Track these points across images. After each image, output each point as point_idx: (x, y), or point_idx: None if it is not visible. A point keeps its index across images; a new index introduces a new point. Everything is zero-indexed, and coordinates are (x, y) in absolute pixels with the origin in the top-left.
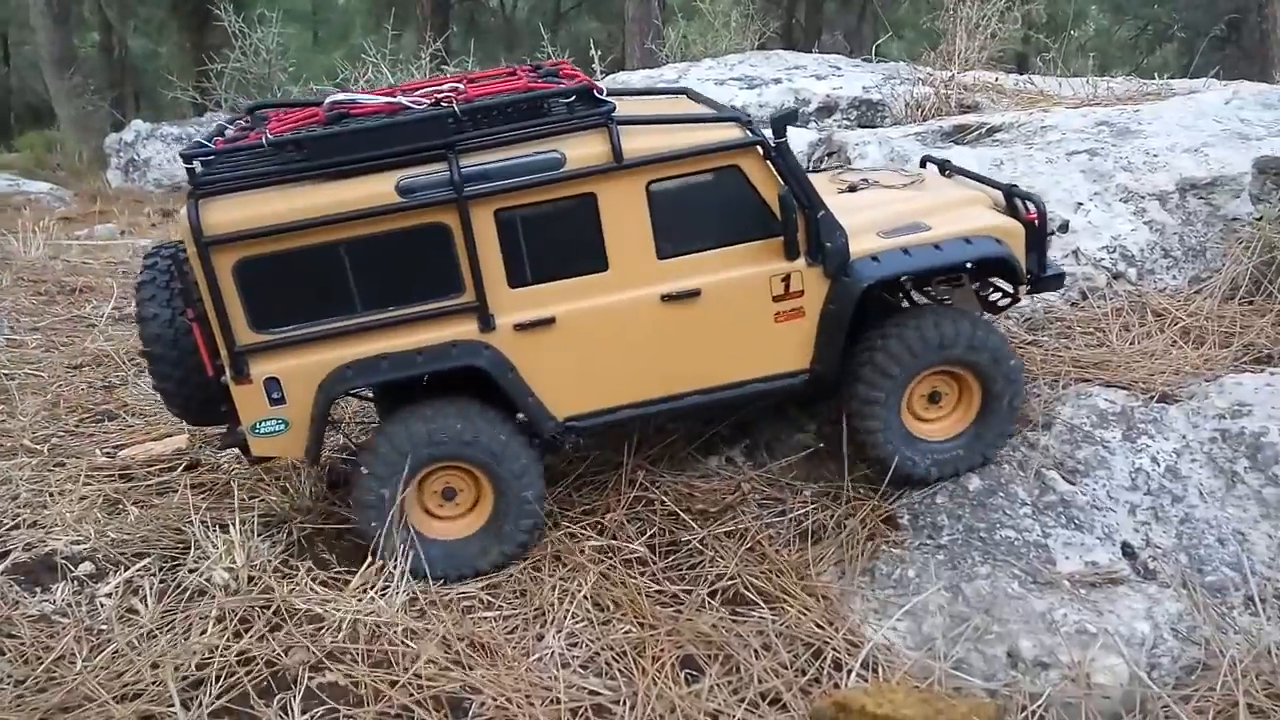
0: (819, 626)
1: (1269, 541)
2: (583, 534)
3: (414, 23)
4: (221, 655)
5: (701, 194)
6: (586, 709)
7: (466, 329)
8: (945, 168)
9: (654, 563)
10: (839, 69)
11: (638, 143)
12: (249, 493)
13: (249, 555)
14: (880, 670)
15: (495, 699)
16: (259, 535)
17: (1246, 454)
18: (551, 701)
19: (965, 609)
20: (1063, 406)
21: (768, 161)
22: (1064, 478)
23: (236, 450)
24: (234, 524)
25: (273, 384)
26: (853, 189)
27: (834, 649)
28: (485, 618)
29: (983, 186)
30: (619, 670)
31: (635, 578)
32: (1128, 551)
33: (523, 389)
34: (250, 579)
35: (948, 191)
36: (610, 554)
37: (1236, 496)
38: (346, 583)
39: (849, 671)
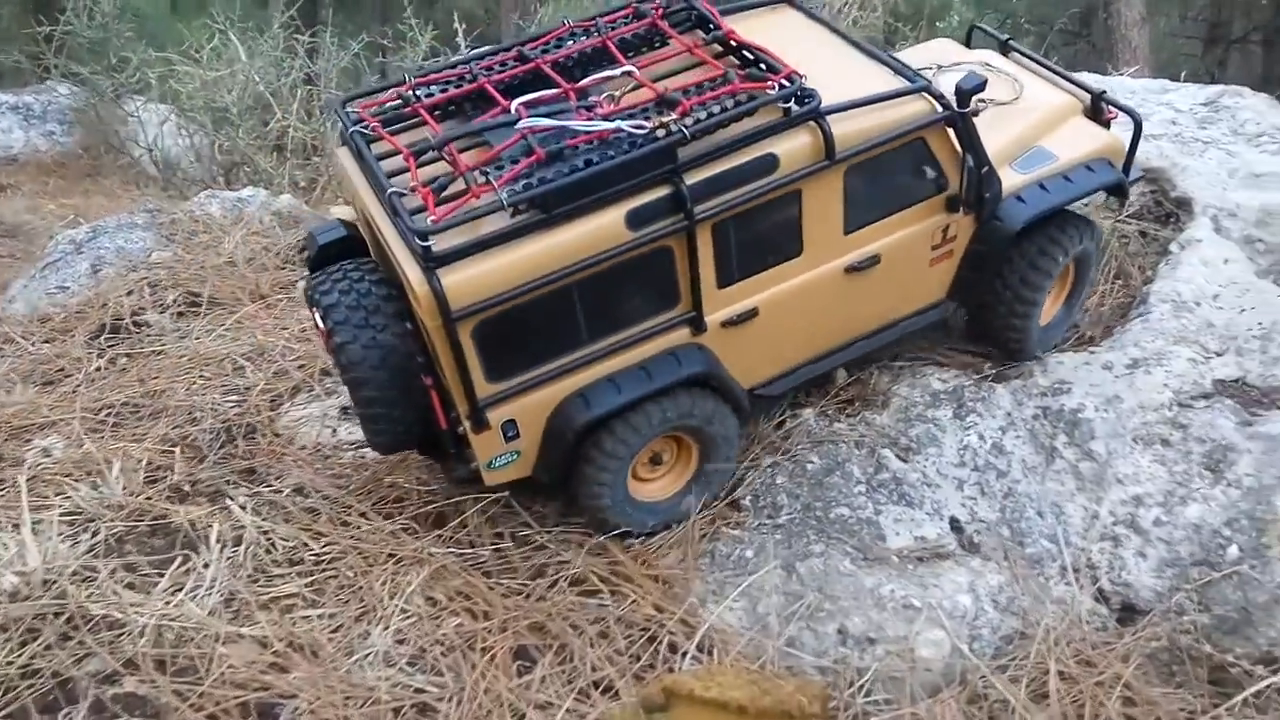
0: (657, 610)
1: (1083, 514)
2: (419, 529)
3: None
4: (2, 669)
5: (886, 166)
6: (408, 708)
7: (679, 335)
8: (1007, 47)
9: (495, 557)
10: None
11: (843, 130)
12: (55, 488)
13: (45, 557)
14: (715, 652)
15: (311, 703)
16: (60, 535)
17: (1065, 430)
18: (372, 702)
19: (799, 587)
20: (899, 386)
21: (949, 130)
22: (897, 456)
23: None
24: (25, 524)
25: (509, 425)
26: (975, 113)
27: (670, 633)
28: (308, 617)
29: (1062, 83)
30: (447, 666)
31: (472, 572)
32: (955, 526)
33: (727, 376)
34: (45, 583)
35: (1046, 98)
36: (449, 548)
37: (1055, 471)
38: (156, 584)
39: (684, 655)
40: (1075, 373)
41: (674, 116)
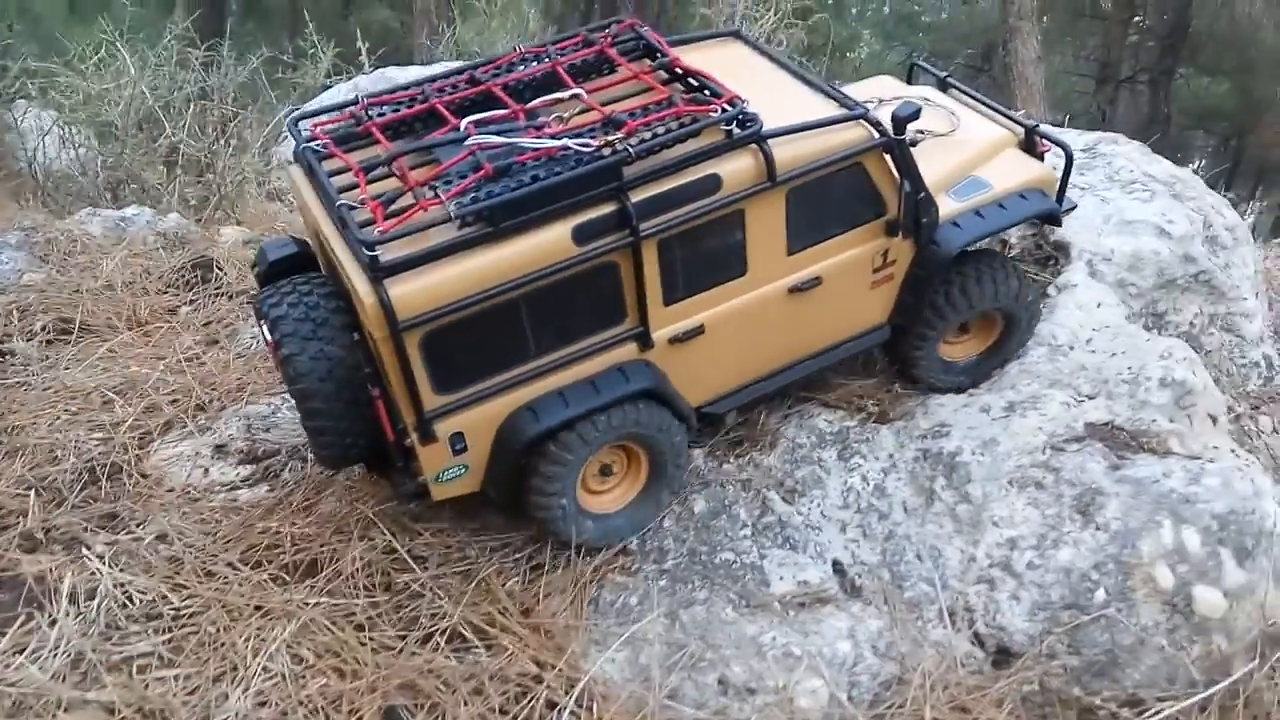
0: (536, 664)
1: (961, 556)
2: (290, 578)
3: None
4: None
5: (826, 189)
6: None
7: (626, 351)
8: (945, 84)
9: (369, 608)
10: None
11: (783, 154)
12: None
13: None
14: (595, 706)
15: None
16: None
17: (944, 473)
18: None
19: (682, 636)
20: (787, 426)
21: (886, 155)
22: (783, 498)
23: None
24: None
25: (457, 438)
26: (913, 143)
27: (549, 687)
28: (162, 679)
29: (997, 117)
30: None
31: (342, 625)
32: (838, 569)
33: (674, 392)
34: None
35: (982, 131)
36: (320, 598)
37: (934, 513)
38: None
39: (562, 710)
40: (955, 415)
41: (619, 135)
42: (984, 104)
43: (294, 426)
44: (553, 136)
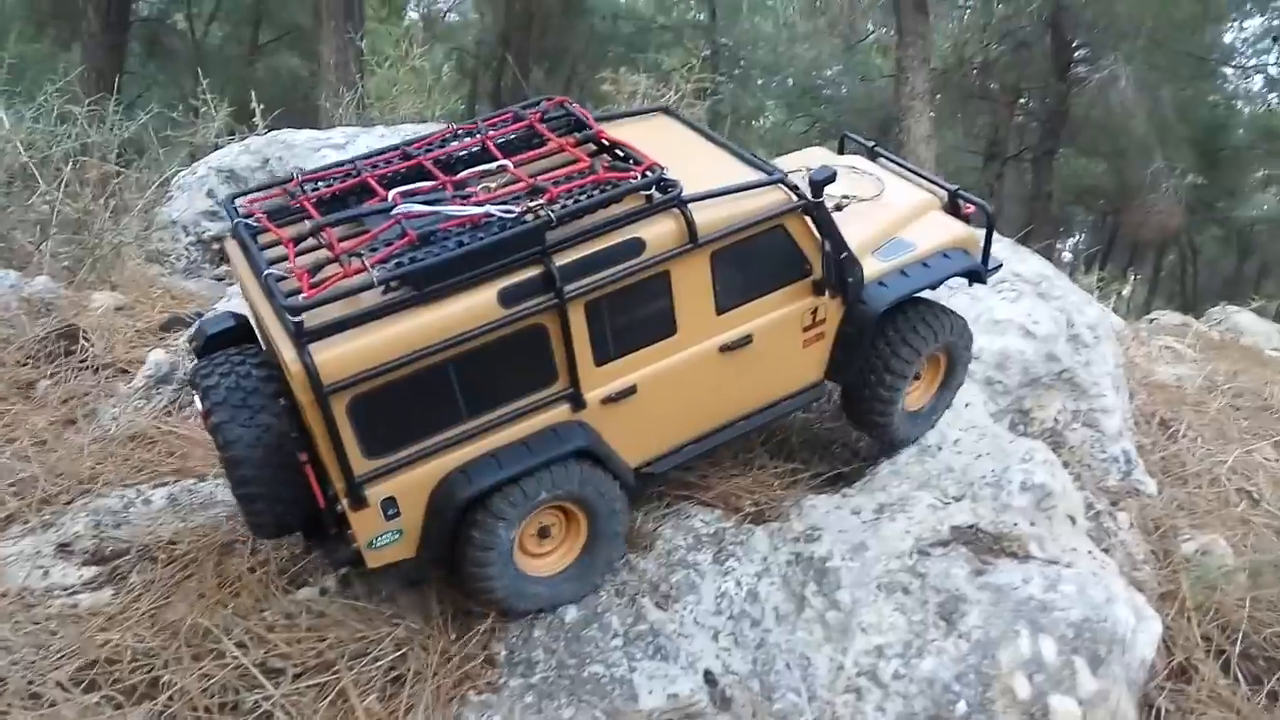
0: None
1: (829, 664)
2: (125, 700)
3: (81, 38)
4: None
5: (750, 251)
6: None
7: (559, 412)
8: (874, 153)
9: None
10: None
11: (705, 217)
12: None
13: None
14: None
15: None
16: None
17: (814, 578)
18: None
19: None
20: (664, 527)
21: (805, 217)
22: (657, 604)
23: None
24: None
25: (389, 503)
26: (839, 208)
27: None
28: None
29: (923, 182)
30: None
31: None
32: (709, 679)
33: (610, 451)
34: None
35: (906, 196)
36: None
37: (804, 620)
38: None
39: None
40: (827, 517)
41: (542, 201)
42: (911, 170)
43: (146, 523)
44: (477, 204)
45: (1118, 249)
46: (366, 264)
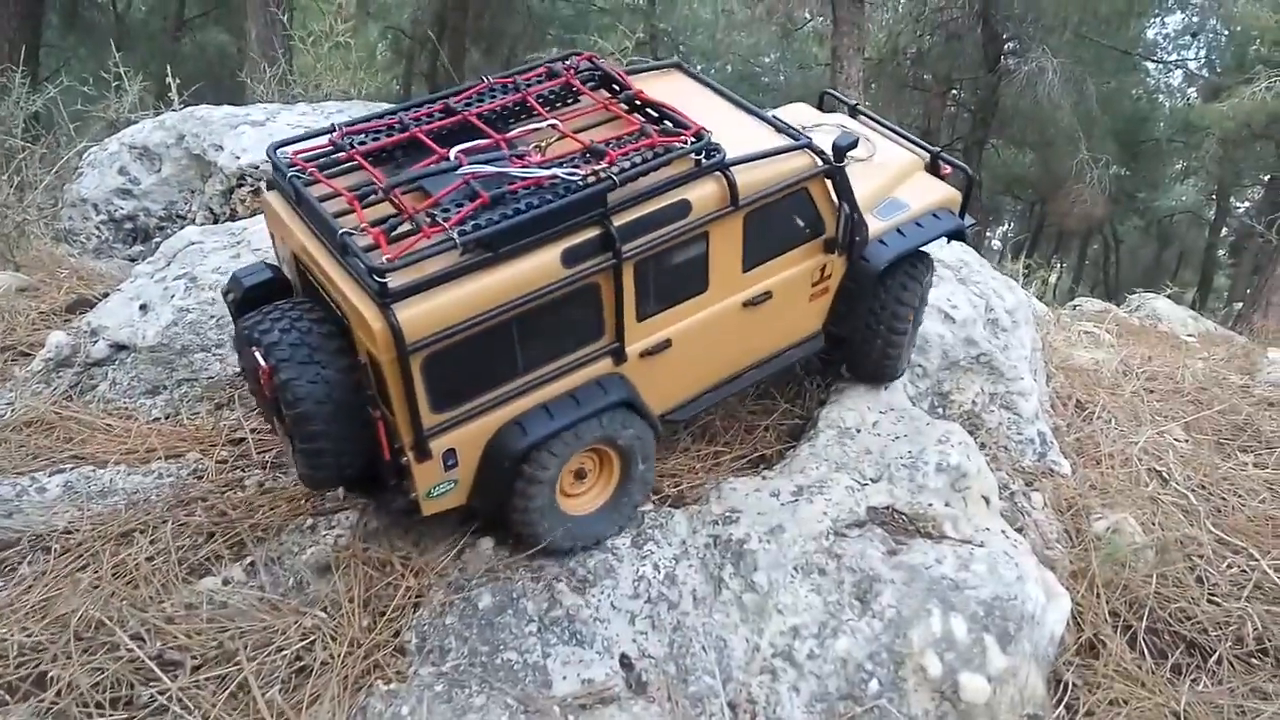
0: None
1: (745, 646)
2: (10, 698)
3: None
4: None
5: (776, 212)
6: None
7: (602, 365)
8: (855, 111)
9: None
10: None
11: (743, 180)
12: None
13: None
14: None
15: None
16: None
17: (732, 560)
18: None
19: None
20: None
21: (827, 180)
22: (573, 589)
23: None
24: None
25: (449, 454)
26: None
27: None
28: None
29: (904, 143)
30: None
31: None
32: (625, 663)
33: (643, 401)
34: None
35: (896, 157)
36: None
37: (722, 602)
38: None
39: None
40: (746, 500)
41: (604, 165)
42: (892, 130)
43: (40, 512)
44: (540, 165)
45: (1044, 237)
46: (444, 225)
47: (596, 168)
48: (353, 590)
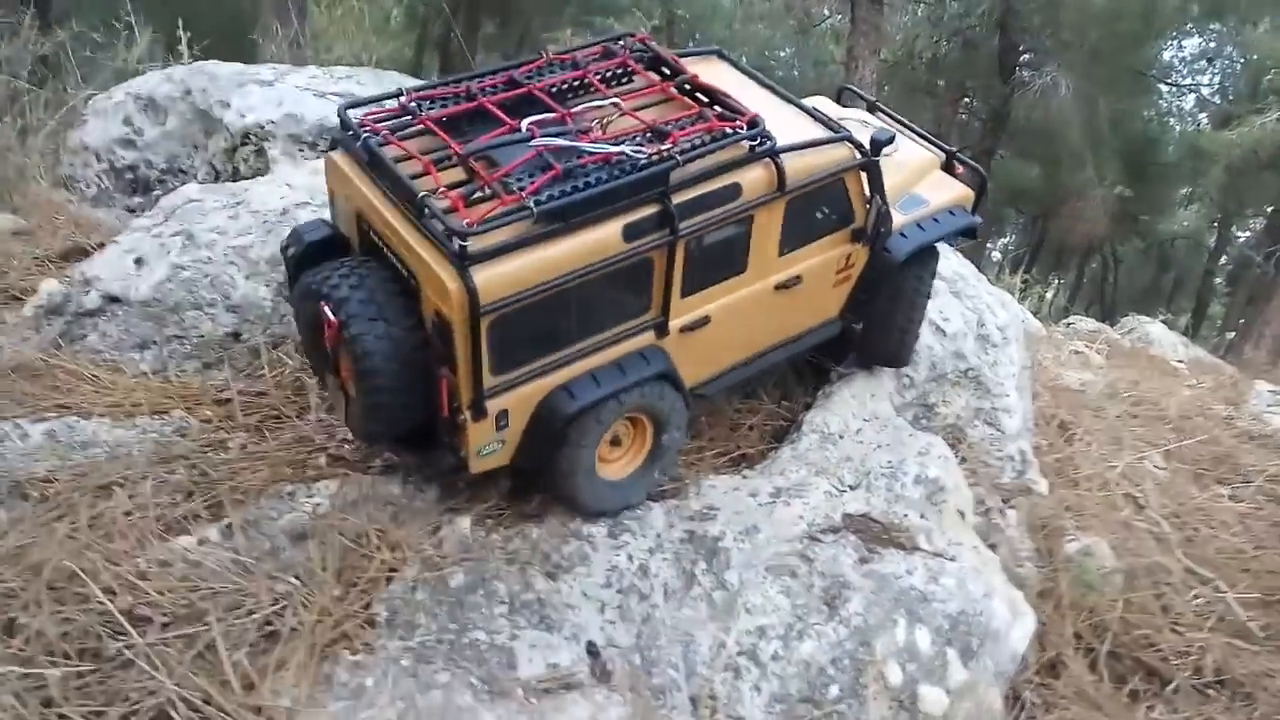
0: None
1: (712, 642)
2: None
3: None
4: None
5: (812, 200)
6: None
7: (645, 338)
8: (873, 107)
9: (69, 680)
10: None
11: (790, 167)
12: None
13: None
14: None
15: None
16: None
17: (705, 557)
18: None
19: None
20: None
21: (861, 173)
22: (546, 574)
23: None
24: None
25: (502, 415)
26: None
27: None
28: None
29: (922, 141)
30: None
31: (28, 701)
32: (591, 650)
33: (679, 376)
34: None
35: (916, 153)
36: (9, 667)
37: (692, 597)
38: None
39: None
40: (724, 497)
41: (669, 145)
42: (908, 128)
43: (20, 458)
44: (610, 141)
45: (1045, 252)
46: (521, 194)
47: (662, 147)
48: (327, 560)
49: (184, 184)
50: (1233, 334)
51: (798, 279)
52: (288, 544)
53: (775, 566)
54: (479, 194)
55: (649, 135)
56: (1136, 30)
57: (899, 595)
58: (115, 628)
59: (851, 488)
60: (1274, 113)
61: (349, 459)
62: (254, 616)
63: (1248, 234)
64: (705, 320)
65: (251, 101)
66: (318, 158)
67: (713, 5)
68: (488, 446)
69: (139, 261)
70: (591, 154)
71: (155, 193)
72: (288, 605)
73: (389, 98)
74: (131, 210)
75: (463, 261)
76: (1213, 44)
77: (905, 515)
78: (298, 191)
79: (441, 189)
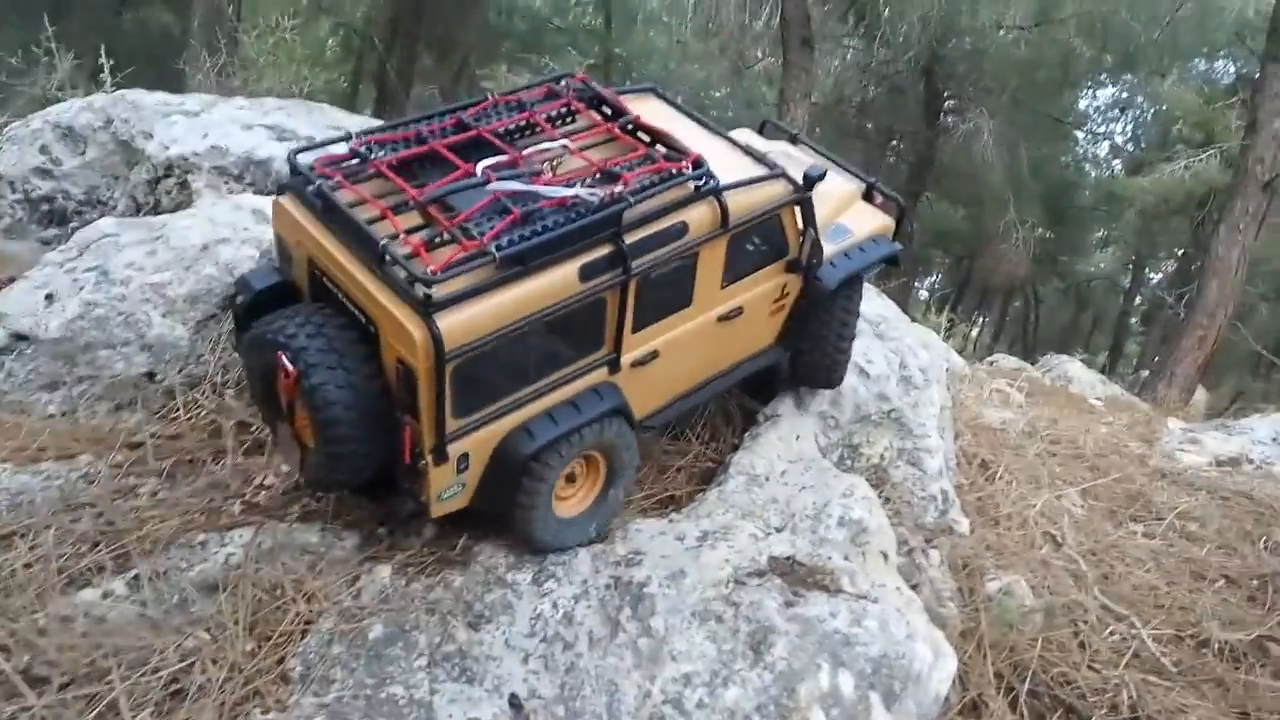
0: None
1: (637, 691)
2: None
3: None
4: None
5: (751, 234)
6: None
7: (599, 374)
8: (795, 139)
9: None
10: None
11: (732, 204)
12: None
13: None
14: None
15: None
16: None
17: (631, 603)
18: None
19: None
20: (485, 544)
21: (795, 207)
22: (469, 624)
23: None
24: None
25: (463, 458)
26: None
27: None
28: None
29: (843, 172)
30: None
31: None
32: (514, 703)
33: (631, 411)
34: None
35: (840, 185)
36: None
37: (617, 645)
38: None
39: None
40: (651, 542)
41: (621, 187)
42: (829, 159)
43: None
44: (564, 184)
45: (970, 292)
46: (481, 239)
47: (614, 189)
48: (239, 612)
49: (103, 216)
50: (1147, 372)
51: (739, 310)
52: (198, 596)
53: (701, 612)
54: (438, 239)
55: (600, 177)
56: (1054, 79)
57: (823, 639)
58: (10, 689)
59: (777, 530)
60: (1182, 161)
61: (265, 506)
62: (160, 674)
63: (1160, 276)
64: (654, 354)
65: (176, 132)
66: (243, 190)
67: (649, 45)
68: (449, 490)
69: (50, 298)
70: (547, 197)
71: (72, 225)
72: (196, 661)
73: (338, 141)
74: (47, 243)
75: (427, 309)
76: (1125, 94)
77: (829, 557)
78: (219, 227)
79: (401, 235)
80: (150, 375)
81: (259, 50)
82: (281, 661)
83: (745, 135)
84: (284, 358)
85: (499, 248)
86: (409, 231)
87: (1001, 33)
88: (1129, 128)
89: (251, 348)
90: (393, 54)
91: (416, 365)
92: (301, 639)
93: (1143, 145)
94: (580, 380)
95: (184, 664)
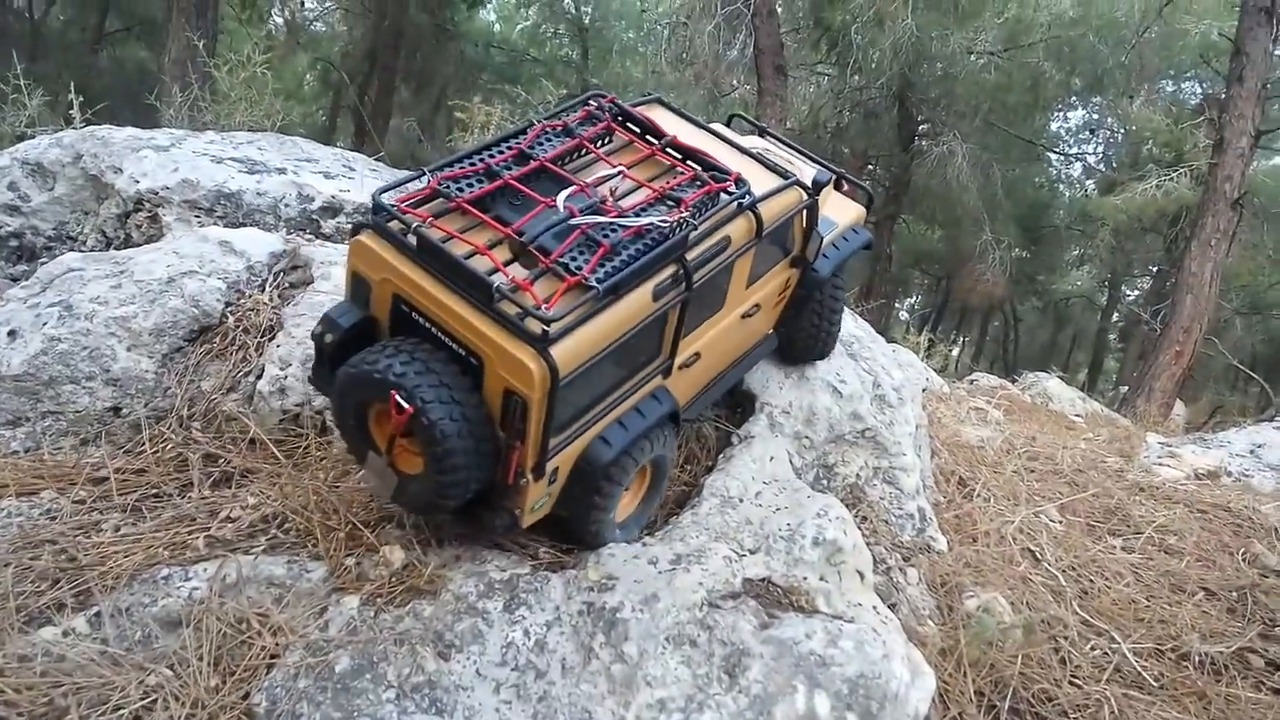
0: None
1: (611, 718)
2: None
3: None
4: None
5: (772, 238)
6: None
7: (655, 381)
8: (764, 132)
9: None
10: (352, 169)
11: (762, 212)
12: None
13: None
14: None
15: None
16: None
17: (604, 629)
18: None
19: None
20: (456, 572)
21: (803, 211)
22: (438, 654)
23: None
24: None
25: (554, 472)
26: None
27: None
28: None
29: (814, 164)
30: None
31: None
32: None
33: (679, 411)
34: None
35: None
36: None
37: (590, 672)
38: None
39: None
40: (624, 566)
41: (686, 213)
42: (801, 152)
43: None
44: (636, 213)
45: (949, 312)
46: (580, 274)
47: (684, 215)
48: (203, 647)
49: (71, 250)
50: (1126, 388)
51: (757, 307)
52: (161, 632)
53: (675, 636)
54: (545, 278)
55: (665, 202)
56: (1025, 102)
57: (799, 661)
58: None
59: (751, 552)
60: (1154, 179)
61: (230, 539)
62: (121, 712)
63: (1136, 293)
64: (697, 356)
65: (146, 167)
66: (214, 223)
67: (625, 75)
68: (539, 502)
69: (12, 334)
70: (626, 227)
71: (41, 260)
72: (158, 698)
73: (412, 179)
74: (15, 280)
75: (545, 344)
76: (1095, 116)
77: (805, 578)
78: (185, 259)
79: (504, 272)
80: (115, 409)
81: (231, 84)
82: (246, 697)
83: (721, 130)
84: (398, 397)
85: (599, 280)
86: (506, 264)
87: (972, 58)
88: (1100, 148)
89: (352, 385)
90: (370, 87)
91: (531, 395)
92: (267, 673)
93: (1114, 165)
94: (643, 388)
95: (146, 701)
